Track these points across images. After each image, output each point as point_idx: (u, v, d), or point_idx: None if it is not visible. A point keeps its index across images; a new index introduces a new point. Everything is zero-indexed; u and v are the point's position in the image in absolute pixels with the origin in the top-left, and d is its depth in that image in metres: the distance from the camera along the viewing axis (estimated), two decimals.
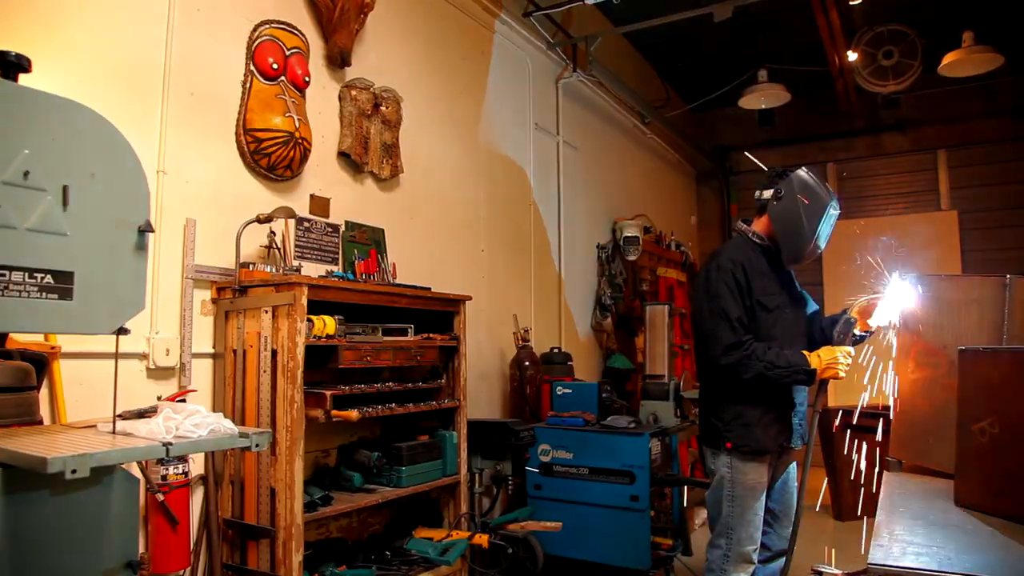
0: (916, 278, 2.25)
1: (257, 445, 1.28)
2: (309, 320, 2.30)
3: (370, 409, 2.46)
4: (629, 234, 5.12)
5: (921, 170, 6.43)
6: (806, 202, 2.34)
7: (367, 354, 2.48)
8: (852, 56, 5.14)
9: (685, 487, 3.61)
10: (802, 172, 2.40)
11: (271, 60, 2.64)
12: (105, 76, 2.19)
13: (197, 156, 2.47)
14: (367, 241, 3.07)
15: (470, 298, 3.02)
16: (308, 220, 2.84)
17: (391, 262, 3.10)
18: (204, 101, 2.50)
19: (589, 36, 4.59)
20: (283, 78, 2.68)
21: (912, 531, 1.61)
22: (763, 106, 5.78)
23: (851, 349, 2.28)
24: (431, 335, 2.84)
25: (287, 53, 2.71)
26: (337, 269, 2.90)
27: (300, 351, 2.24)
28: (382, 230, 3.17)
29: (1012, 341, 2.18)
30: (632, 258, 5.15)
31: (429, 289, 2.87)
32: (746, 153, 5.20)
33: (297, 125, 2.65)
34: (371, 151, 3.10)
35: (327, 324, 2.35)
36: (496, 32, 4.15)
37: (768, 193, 2.44)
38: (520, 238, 4.32)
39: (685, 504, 3.66)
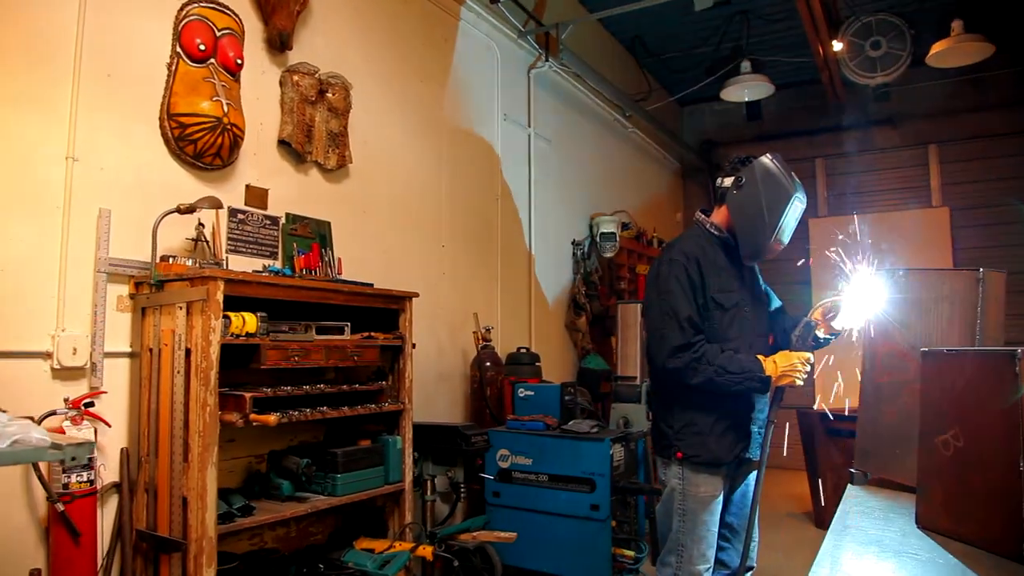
0: (883, 274, 2.07)
1: (73, 458, 1.11)
2: (226, 317, 2.13)
3: (296, 413, 2.29)
4: (606, 230, 4.94)
5: (912, 166, 6.24)
6: (768, 192, 2.16)
7: (294, 354, 2.31)
8: (838, 46, 4.97)
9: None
10: (766, 159, 2.21)
11: (199, 41, 2.47)
12: (3, 54, 2.03)
13: (115, 142, 2.30)
14: (310, 235, 2.90)
15: (417, 295, 2.85)
16: (243, 212, 2.67)
17: (337, 257, 2.93)
18: (124, 83, 2.33)
19: (561, 23, 4.42)
20: (213, 60, 2.51)
21: (860, 559, 1.44)
22: (746, 98, 5.61)
23: (810, 355, 2.10)
24: (373, 334, 2.67)
25: (218, 34, 2.54)
26: (275, 264, 2.73)
27: (214, 350, 2.08)
28: (328, 223, 3.00)
29: (987, 342, 2.00)
30: (609, 255, 4.98)
31: (371, 285, 2.70)
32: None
33: (226, 110, 2.48)
34: (315, 140, 2.93)
35: (247, 321, 2.18)
36: (461, 19, 3.97)
37: (729, 181, 2.26)
38: (486, 233, 4.15)
39: (653, 512, 3.48)
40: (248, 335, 2.19)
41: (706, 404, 2.13)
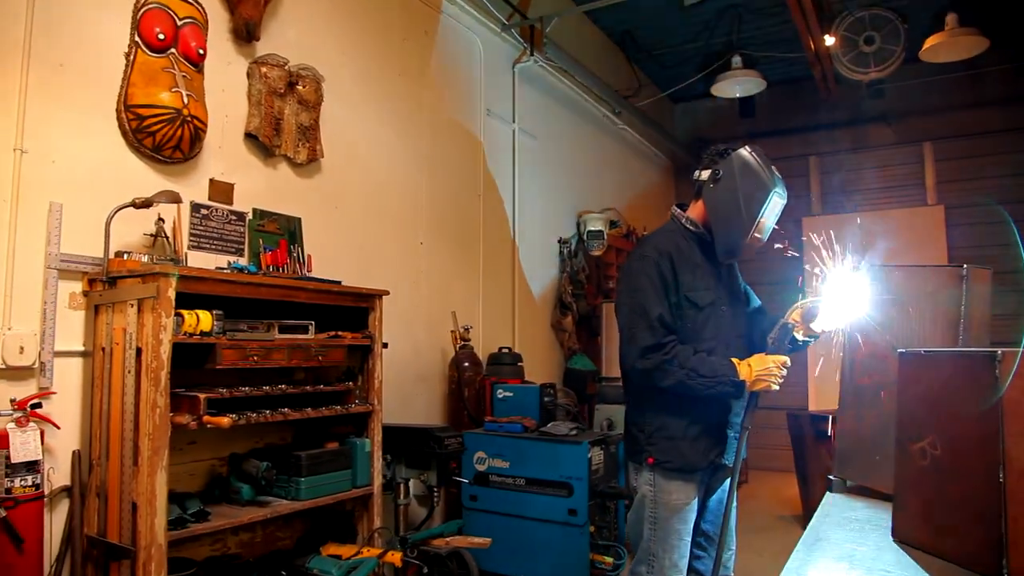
0: (865, 270, 1.98)
1: None
2: (179, 315, 2.05)
3: (255, 415, 2.21)
4: (593, 228, 4.85)
5: (906, 163, 6.14)
6: (746, 186, 2.06)
7: (253, 353, 2.22)
8: (830, 41, 4.87)
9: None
10: (744, 151, 2.10)
11: (158, 30, 2.39)
12: None
13: (68, 134, 2.22)
14: (278, 231, 2.81)
15: (387, 292, 2.76)
16: (207, 207, 2.58)
17: (308, 255, 2.84)
18: (78, 73, 2.25)
19: (546, 17, 4.33)
20: (173, 50, 2.43)
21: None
22: (738, 94, 5.51)
23: (787, 358, 2.00)
24: (340, 333, 2.58)
25: (179, 23, 2.45)
26: (240, 260, 2.64)
27: (165, 349, 1.99)
28: (298, 219, 2.92)
29: (971, 342, 1.91)
30: (596, 253, 4.89)
31: (338, 283, 2.62)
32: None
33: (186, 101, 2.39)
34: (284, 133, 2.84)
35: (201, 319, 2.09)
36: (442, 11, 3.88)
37: (705, 174, 2.15)
38: (468, 231, 4.06)
39: None
40: (203, 334, 2.10)
41: (679, 408, 2.03)
